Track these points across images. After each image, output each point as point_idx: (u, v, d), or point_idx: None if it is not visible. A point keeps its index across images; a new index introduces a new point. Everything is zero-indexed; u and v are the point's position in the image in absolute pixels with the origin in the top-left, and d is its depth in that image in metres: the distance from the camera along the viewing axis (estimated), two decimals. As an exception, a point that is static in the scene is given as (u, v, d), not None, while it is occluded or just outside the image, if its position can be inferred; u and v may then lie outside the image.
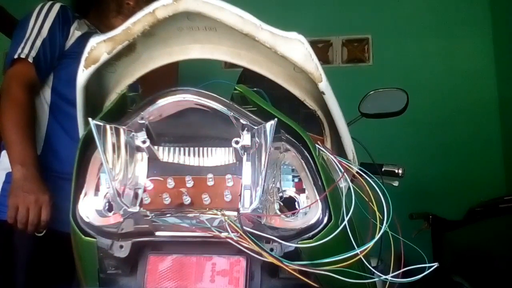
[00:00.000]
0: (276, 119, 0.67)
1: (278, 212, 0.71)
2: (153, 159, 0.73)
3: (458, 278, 2.26)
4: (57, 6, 1.48)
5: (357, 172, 0.78)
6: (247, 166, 0.70)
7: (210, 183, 0.70)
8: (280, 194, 0.73)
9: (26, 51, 1.39)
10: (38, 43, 1.42)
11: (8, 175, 1.35)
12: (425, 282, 0.75)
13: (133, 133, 0.71)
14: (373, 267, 0.76)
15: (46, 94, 1.48)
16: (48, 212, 1.27)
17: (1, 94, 1.39)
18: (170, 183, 0.70)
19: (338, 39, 3.34)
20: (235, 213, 0.66)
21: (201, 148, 0.74)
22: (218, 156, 0.73)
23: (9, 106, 1.35)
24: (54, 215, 1.30)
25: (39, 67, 1.42)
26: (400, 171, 1.37)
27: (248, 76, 0.95)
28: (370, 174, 0.77)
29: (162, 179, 0.71)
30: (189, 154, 0.74)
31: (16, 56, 1.39)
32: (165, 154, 0.74)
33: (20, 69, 1.40)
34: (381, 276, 0.70)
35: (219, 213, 0.66)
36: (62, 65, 1.47)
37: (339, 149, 0.85)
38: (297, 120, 0.73)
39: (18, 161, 1.29)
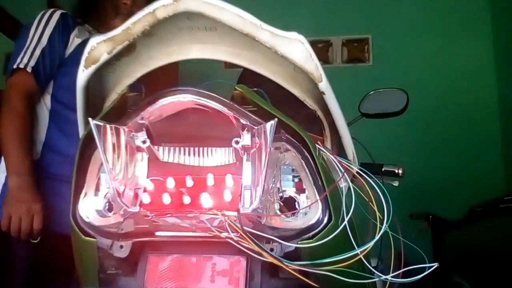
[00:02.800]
0: (276, 119, 0.67)
1: (278, 212, 0.71)
2: (153, 159, 0.73)
3: (458, 278, 2.26)
4: (57, 14, 1.49)
5: (357, 172, 0.78)
6: (247, 166, 0.70)
7: (210, 183, 0.70)
8: (280, 194, 0.73)
9: (25, 60, 1.41)
10: (38, 52, 1.43)
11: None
12: (425, 282, 0.75)
13: (133, 133, 0.71)
14: (373, 267, 0.76)
15: (47, 100, 1.49)
16: (40, 221, 1.30)
17: (1, 103, 1.41)
18: (170, 183, 0.70)
19: (338, 39, 3.34)
20: (235, 213, 0.66)
21: (201, 148, 0.74)
22: (218, 156, 0.73)
23: (8, 115, 1.38)
24: (53, 217, 1.33)
25: (38, 76, 1.43)
26: (400, 171, 1.37)
27: (248, 76, 0.95)
28: (370, 174, 0.77)
29: (162, 179, 0.71)
30: (189, 154, 0.74)
31: (15, 66, 1.41)
32: (165, 154, 0.74)
33: (19, 79, 1.41)
34: (381, 276, 0.70)
35: (219, 213, 0.66)
36: (62, 73, 1.48)
37: (339, 149, 0.85)
38: (297, 120, 0.73)
39: (13, 171, 1.32)
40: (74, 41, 1.51)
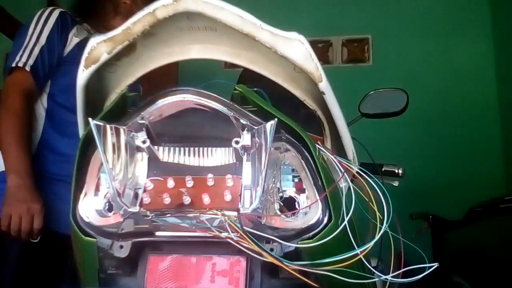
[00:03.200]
0: (276, 119, 0.67)
1: (278, 212, 0.71)
2: (153, 159, 0.73)
3: (458, 278, 2.26)
4: (56, 13, 1.48)
5: (357, 172, 0.78)
6: (247, 166, 0.70)
7: (210, 183, 0.70)
8: (280, 194, 0.73)
9: (24, 59, 1.40)
10: (36, 51, 1.42)
11: (2, 174, 1.37)
12: (425, 282, 0.75)
13: (133, 133, 0.71)
14: (373, 267, 0.76)
15: (43, 99, 1.49)
16: (40, 221, 1.30)
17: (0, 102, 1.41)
18: (170, 183, 0.70)
19: (338, 39, 3.34)
20: (235, 213, 0.66)
21: (201, 148, 0.74)
22: (218, 156, 0.73)
23: (6, 115, 1.37)
24: (49, 216, 1.33)
25: (37, 75, 1.42)
26: (400, 171, 1.37)
27: (248, 76, 0.95)
28: (370, 174, 0.77)
29: (162, 179, 0.71)
30: (189, 154, 0.74)
31: (14, 65, 1.40)
32: (165, 154, 0.74)
33: (18, 77, 1.40)
34: (381, 276, 0.70)
35: (219, 213, 0.66)
36: (60, 72, 1.47)
37: (339, 149, 0.85)
38: (297, 120, 0.73)
39: (12, 170, 1.32)
40: (73, 40, 1.49)
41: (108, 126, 0.68)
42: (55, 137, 1.46)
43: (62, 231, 1.35)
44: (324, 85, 0.72)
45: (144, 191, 0.71)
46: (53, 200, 1.36)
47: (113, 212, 0.73)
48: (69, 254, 1.40)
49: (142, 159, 0.73)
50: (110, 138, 0.69)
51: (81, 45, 1.47)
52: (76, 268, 0.82)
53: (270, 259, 0.66)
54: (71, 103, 1.48)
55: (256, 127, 0.68)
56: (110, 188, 0.70)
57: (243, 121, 0.68)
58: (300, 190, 0.73)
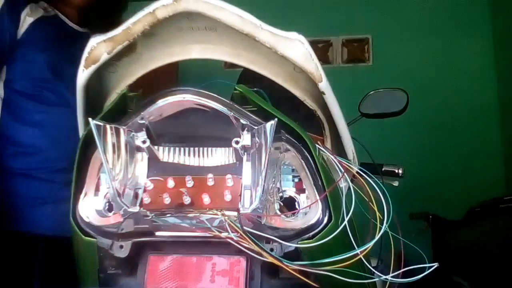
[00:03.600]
0: (276, 119, 0.67)
1: (278, 212, 0.71)
2: (153, 159, 0.73)
3: (458, 278, 2.26)
4: None
5: (357, 172, 0.78)
6: (247, 166, 0.70)
7: (210, 183, 0.70)
8: (280, 194, 0.73)
9: None
10: None
11: None
12: (425, 282, 0.75)
13: (133, 133, 0.71)
14: (373, 267, 0.76)
15: None
16: None
17: None
18: (170, 183, 0.70)
19: (338, 39, 3.35)
20: (235, 213, 0.66)
21: (201, 148, 0.74)
22: (218, 156, 0.73)
23: None
24: (5, 214, 1.25)
25: None
26: (400, 171, 1.37)
27: (248, 76, 0.95)
28: (370, 174, 0.77)
29: (162, 179, 0.71)
30: (189, 154, 0.74)
31: None
32: (165, 154, 0.74)
33: None
34: (381, 276, 0.70)
35: (219, 213, 0.66)
36: (15, 56, 1.35)
37: (339, 149, 0.85)
38: (297, 120, 0.73)
39: None
40: (26, 20, 1.34)
41: (108, 126, 0.68)
42: (15, 126, 1.36)
43: (23, 230, 1.29)
44: (324, 85, 0.72)
45: (144, 191, 0.71)
46: (12, 197, 1.28)
47: (113, 212, 0.73)
48: (37, 254, 1.33)
49: (142, 159, 0.73)
50: (110, 138, 0.69)
51: (37, 25, 1.37)
52: (51, 270, 0.80)
53: (270, 259, 0.66)
54: (29, 90, 1.32)
55: (256, 127, 0.68)
56: (110, 188, 0.70)
57: (243, 121, 0.68)
58: (300, 190, 0.73)
